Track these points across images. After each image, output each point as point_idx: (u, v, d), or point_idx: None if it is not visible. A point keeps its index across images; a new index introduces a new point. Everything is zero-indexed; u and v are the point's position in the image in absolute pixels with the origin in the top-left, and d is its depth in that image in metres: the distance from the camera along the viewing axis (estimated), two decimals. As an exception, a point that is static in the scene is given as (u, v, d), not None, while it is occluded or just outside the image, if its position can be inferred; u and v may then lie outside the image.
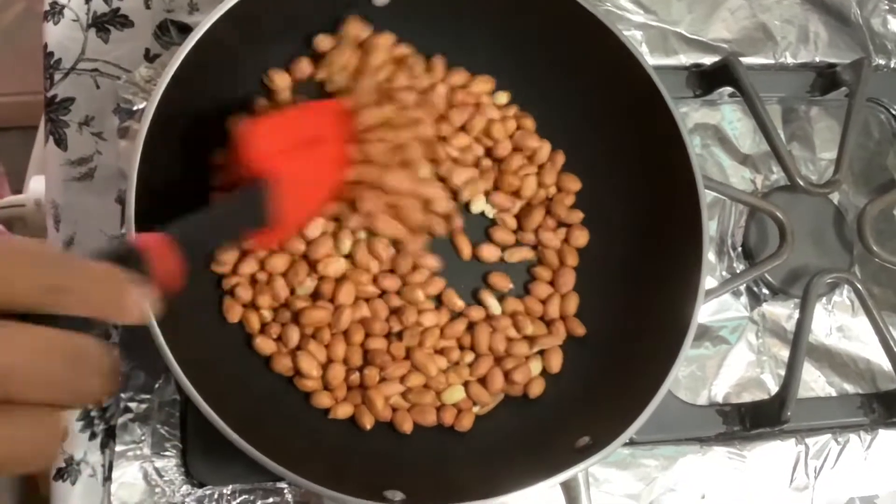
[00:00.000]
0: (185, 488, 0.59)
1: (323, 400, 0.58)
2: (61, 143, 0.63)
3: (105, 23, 0.65)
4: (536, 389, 0.61)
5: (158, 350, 0.49)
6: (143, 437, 0.59)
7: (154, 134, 0.51)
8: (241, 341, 0.58)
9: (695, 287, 0.58)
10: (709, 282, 0.69)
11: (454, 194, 0.63)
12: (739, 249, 0.72)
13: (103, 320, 0.36)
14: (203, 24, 0.53)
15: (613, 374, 0.60)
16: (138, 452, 0.59)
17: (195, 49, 0.53)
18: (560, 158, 0.65)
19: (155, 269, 0.40)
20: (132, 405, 0.59)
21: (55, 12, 0.65)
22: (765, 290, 0.71)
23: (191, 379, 0.49)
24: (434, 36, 0.62)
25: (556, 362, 0.62)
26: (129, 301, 0.37)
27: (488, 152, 0.64)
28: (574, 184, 0.64)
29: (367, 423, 0.58)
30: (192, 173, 0.57)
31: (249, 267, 0.58)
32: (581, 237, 0.64)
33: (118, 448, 0.59)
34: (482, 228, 0.64)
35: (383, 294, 0.60)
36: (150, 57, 0.65)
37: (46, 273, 0.34)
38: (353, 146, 0.57)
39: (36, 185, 0.99)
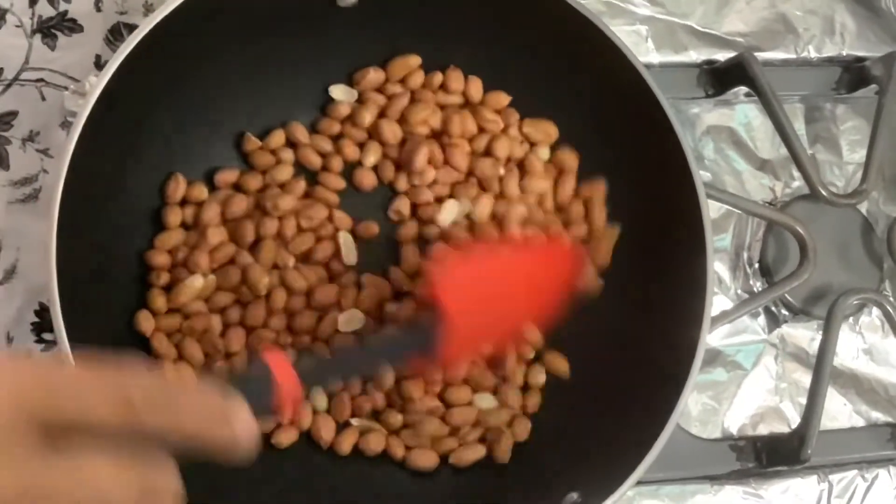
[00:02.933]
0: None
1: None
2: (2, 161, 0.59)
3: (51, 28, 0.61)
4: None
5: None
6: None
7: (87, 148, 0.48)
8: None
9: (700, 307, 0.55)
10: (723, 302, 0.66)
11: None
12: (756, 265, 0.68)
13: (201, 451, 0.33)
14: (151, 20, 0.49)
15: (607, 414, 0.56)
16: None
17: (139, 51, 0.49)
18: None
19: (278, 402, 0.39)
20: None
21: (-4, 18, 0.60)
22: (784, 311, 0.68)
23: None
24: (407, 43, 0.59)
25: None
26: (233, 436, 0.33)
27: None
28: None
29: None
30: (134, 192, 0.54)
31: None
32: None
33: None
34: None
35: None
36: (101, 64, 0.61)
37: (131, 411, 0.32)
38: (562, 294, 0.55)
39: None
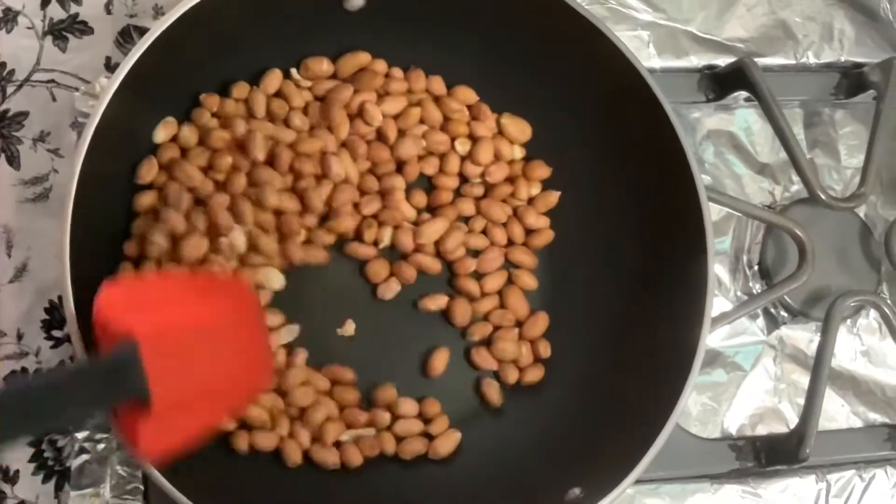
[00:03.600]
0: (148, 534, 0.55)
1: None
2: (13, 161, 0.60)
3: (62, 30, 0.62)
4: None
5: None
6: (101, 480, 0.55)
7: (100, 148, 0.48)
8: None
9: (701, 308, 0.54)
10: (722, 304, 0.66)
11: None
12: (756, 268, 0.68)
13: None
14: (161, 24, 0.49)
15: (608, 412, 0.57)
16: (97, 496, 0.55)
17: (150, 53, 0.49)
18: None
19: None
20: (88, 445, 0.56)
21: (8, 19, 0.61)
22: (783, 313, 0.67)
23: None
24: (413, 42, 0.59)
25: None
26: None
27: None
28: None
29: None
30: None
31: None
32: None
33: (74, 493, 0.55)
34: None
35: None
36: (111, 66, 0.61)
37: None
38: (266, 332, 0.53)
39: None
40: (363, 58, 0.59)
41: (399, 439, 0.57)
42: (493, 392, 0.59)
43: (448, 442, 0.57)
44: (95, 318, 0.42)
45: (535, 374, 0.59)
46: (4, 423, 0.36)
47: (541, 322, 0.60)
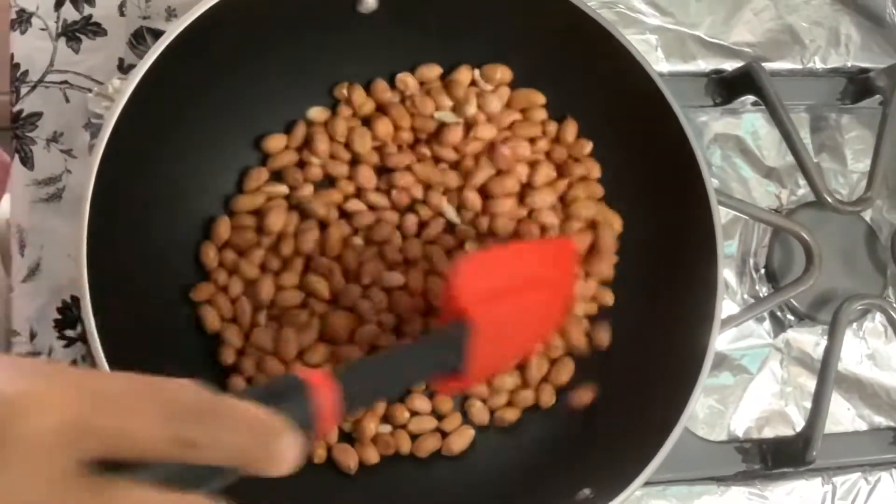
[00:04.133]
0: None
1: None
2: (27, 161, 0.60)
3: (76, 31, 0.61)
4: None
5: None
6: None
7: (116, 149, 0.48)
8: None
9: (710, 313, 0.55)
10: (729, 307, 0.66)
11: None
12: (762, 271, 0.68)
13: (245, 470, 0.33)
14: (176, 27, 0.49)
15: (618, 414, 0.57)
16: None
17: (165, 56, 0.49)
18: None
19: (319, 414, 0.37)
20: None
21: (22, 21, 0.61)
22: (790, 316, 0.68)
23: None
24: (424, 45, 0.59)
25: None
26: (280, 450, 0.33)
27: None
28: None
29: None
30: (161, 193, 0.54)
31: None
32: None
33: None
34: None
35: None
36: (124, 68, 0.61)
37: (177, 425, 0.31)
38: (572, 290, 0.56)
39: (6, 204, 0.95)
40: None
41: (413, 437, 0.57)
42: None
43: (462, 439, 0.57)
44: (447, 290, 0.49)
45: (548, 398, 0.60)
46: (360, 391, 0.40)
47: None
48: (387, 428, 0.57)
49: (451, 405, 0.58)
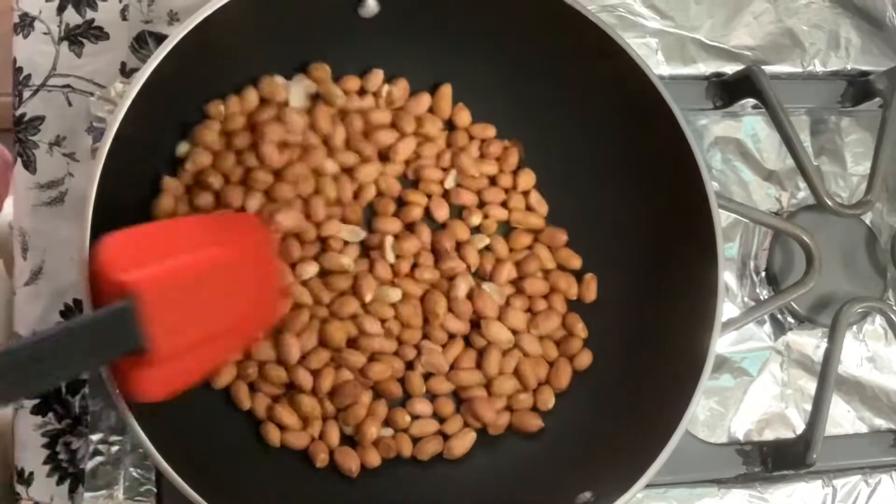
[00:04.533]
0: (161, 536, 0.55)
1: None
2: (30, 165, 0.60)
3: (78, 35, 0.62)
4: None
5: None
6: (115, 482, 0.56)
7: (118, 153, 0.48)
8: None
9: (711, 315, 0.55)
10: (730, 310, 0.66)
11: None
12: (763, 274, 0.68)
13: None
14: (179, 32, 0.50)
15: (619, 417, 0.57)
16: (111, 498, 0.55)
17: (168, 60, 0.49)
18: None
19: None
20: (102, 447, 0.56)
21: (25, 25, 0.61)
22: (790, 319, 0.68)
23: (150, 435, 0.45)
24: (426, 50, 0.59)
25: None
26: None
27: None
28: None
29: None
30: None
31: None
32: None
33: (88, 494, 0.55)
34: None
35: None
36: (126, 71, 0.61)
37: None
38: (278, 265, 0.53)
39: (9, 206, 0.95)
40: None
41: (415, 440, 0.57)
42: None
43: (463, 442, 0.57)
44: (91, 272, 0.42)
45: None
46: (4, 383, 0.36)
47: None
48: (388, 431, 0.57)
49: (452, 408, 0.58)
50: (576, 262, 0.61)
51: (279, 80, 0.58)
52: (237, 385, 0.55)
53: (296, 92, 0.58)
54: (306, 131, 0.57)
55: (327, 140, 0.58)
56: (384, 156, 0.60)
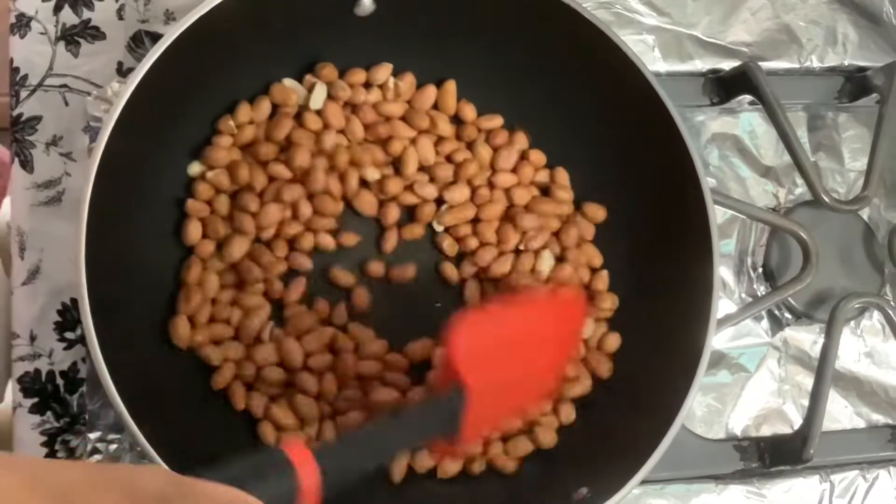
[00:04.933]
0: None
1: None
2: (27, 165, 0.60)
3: (75, 35, 0.62)
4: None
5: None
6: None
7: (114, 152, 0.48)
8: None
9: (706, 311, 0.55)
10: (727, 306, 0.66)
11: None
12: (760, 270, 0.68)
13: None
14: (174, 31, 0.50)
15: (615, 413, 0.57)
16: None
17: (164, 59, 0.50)
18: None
19: (299, 493, 0.36)
20: (101, 446, 0.56)
21: (21, 25, 0.61)
22: (787, 314, 0.67)
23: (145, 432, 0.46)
24: (421, 48, 0.59)
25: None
26: None
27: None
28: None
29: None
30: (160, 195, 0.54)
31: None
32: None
33: (86, 493, 0.55)
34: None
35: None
36: (123, 71, 0.61)
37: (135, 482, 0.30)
38: (572, 344, 0.55)
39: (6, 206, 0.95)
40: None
41: None
42: None
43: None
44: (447, 353, 0.47)
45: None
46: (344, 468, 0.41)
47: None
48: None
49: None
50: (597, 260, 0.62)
51: (289, 83, 0.58)
52: (234, 386, 0.55)
53: (318, 94, 0.58)
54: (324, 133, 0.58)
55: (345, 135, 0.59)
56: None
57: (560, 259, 0.61)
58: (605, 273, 0.61)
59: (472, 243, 0.60)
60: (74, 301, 0.58)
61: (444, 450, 0.50)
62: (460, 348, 0.47)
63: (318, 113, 0.58)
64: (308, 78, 0.59)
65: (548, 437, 0.57)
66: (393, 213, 0.59)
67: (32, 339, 0.58)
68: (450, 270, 0.60)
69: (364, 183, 0.59)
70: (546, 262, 0.60)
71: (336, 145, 0.58)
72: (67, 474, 0.31)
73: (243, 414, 0.55)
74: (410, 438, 0.48)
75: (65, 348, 0.58)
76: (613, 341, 0.59)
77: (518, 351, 0.50)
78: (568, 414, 0.58)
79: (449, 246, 0.60)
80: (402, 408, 0.53)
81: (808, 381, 0.65)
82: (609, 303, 0.60)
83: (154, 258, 0.55)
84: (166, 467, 0.46)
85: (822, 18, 0.72)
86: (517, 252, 0.60)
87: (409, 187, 0.59)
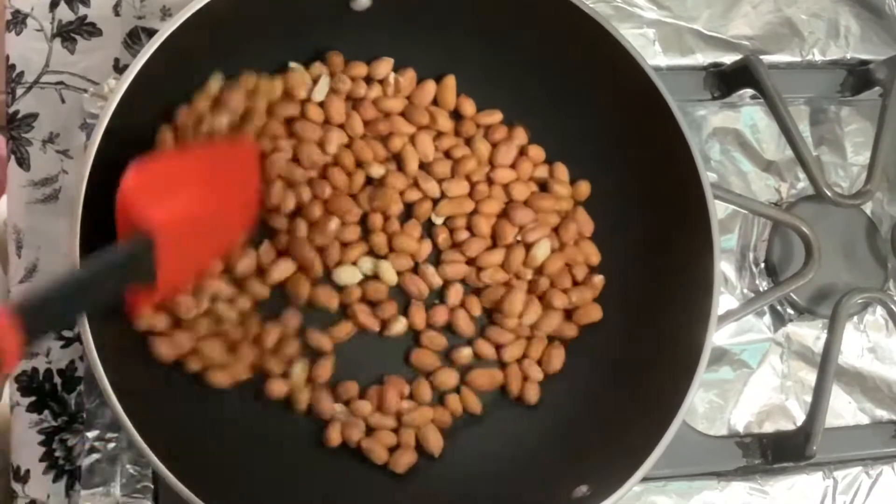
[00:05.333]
0: (159, 533, 0.55)
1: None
2: (23, 162, 0.60)
3: (71, 32, 0.61)
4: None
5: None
6: (111, 479, 0.56)
7: (109, 149, 0.48)
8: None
9: (707, 307, 0.54)
10: (729, 302, 0.66)
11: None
12: (762, 265, 0.67)
13: None
14: (170, 26, 0.49)
15: (616, 409, 0.57)
16: (107, 495, 0.55)
17: (159, 54, 0.49)
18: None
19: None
20: (99, 444, 0.56)
21: (17, 22, 0.61)
22: (790, 310, 0.67)
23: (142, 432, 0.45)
24: (419, 43, 0.59)
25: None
26: None
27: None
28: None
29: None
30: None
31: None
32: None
33: (84, 492, 0.55)
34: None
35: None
36: (119, 68, 0.61)
37: None
38: (258, 187, 0.54)
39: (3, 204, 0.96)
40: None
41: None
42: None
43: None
44: (120, 201, 0.45)
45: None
46: (45, 317, 0.40)
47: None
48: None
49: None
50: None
51: (297, 67, 0.58)
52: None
53: (322, 85, 0.58)
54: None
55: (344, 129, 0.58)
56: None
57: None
58: (600, 277, 0.61)
59: (463, 235, 0.59)
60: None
61: (143, 299, 0.48)
62: (139, 189, 0.45)
63: (321, 105, 0.58)
64: (316, 65, 0.58)
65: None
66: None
67: (30, 337, 0.58)
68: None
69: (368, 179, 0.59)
70: (542, 250, 0.59)
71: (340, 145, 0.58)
72: None
73: (240, 412, 0.55)
74: (109, 286, 0.45)
75: (62, 346, 0.58)
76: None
77: (204, 192, 0.49)
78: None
79: (444, 240, 0.59)
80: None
81: (810, 377, 0.64)
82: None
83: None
84: (163, 466, 0.46)
85: (823, 11, 0.72)
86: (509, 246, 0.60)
87: (413, 184, 0.59)
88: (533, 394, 0.58)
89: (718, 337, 0.63)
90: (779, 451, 0.63)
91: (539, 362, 0.59)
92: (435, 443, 0.56)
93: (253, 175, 0.54)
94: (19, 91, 0.60)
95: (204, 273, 0.53)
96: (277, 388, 0.55)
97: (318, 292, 0.56)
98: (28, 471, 0.57)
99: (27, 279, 0.58)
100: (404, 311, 0.58)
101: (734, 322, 0.64)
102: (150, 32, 0.61)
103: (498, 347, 0.59)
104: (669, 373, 0.54)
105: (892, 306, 0.65)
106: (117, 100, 0.48)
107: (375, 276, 0.58)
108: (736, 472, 0.63)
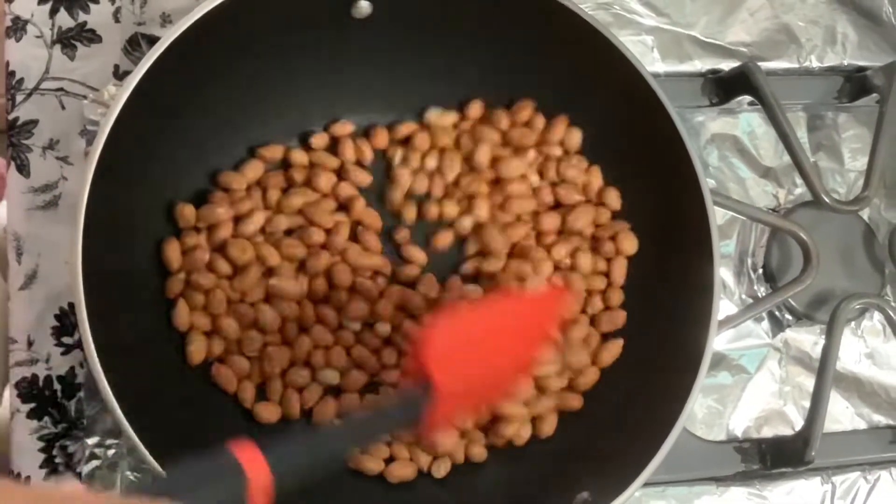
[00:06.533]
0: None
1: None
2: (23, 169, 0.59)
3: (71, 38, 0.61)
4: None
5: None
6: (112, 485, 0.56)
7: (111, 156, 0.48)
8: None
9: (707, 313, 0.55)
10: (727, 307, 0.66)
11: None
12: (760, 271, 0.67)
13: None
14: (171, 34, 0.49)
15: (616, 416, 0.57)
16: (107, 502, 0.55)
17: (161, 62, 0.49)
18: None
19: (248, 495, 0.36)
20: (99, 451, 0.56)
21: (17, 28, 0.61)
22: (788, 316, 0.67)
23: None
24: (419, 50, 0.59)
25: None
26: None
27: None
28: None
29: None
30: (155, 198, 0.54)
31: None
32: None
33: (85, 498, 0.55)
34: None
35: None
36: (119, 74, 0.61)
37: None
38: (544, 340, 0.54)
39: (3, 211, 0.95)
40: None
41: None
42: None
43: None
44: (417, 352, 0.47)
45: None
46: (295, 469, 0.40)
47: None
48: None
49: None
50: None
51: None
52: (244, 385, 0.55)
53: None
54: None
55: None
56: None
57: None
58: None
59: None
60: (72, 306, 0.58)
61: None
62: (433, 349, 0.47)
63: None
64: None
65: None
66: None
67: (30, 343, 0.58)
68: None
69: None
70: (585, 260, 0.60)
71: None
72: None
73: (243, 420, 0.55)
74: (364, 438, 0.47)
75: (62, 353, 0.58)
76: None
77: (488, 348, 0.50)
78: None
79: None
80: (357, 410, 0.53)
81: (809, 383, 0.65)
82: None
83: (151, 261, 0.55)
84: (162, 472, 0.46)
85: (821, 18, 0.72)
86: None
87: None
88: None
89: (717, 342, 0.62)
90: (777, 456, 0.63)
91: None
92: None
93: (542, 327, 0.54)
94: (19, 97, 0.60)
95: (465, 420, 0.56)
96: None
97: None
98: (28, 477, 0.56)
99: (27, 286, 0.58)
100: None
101: (733, 328, 0.64)
102: (150, 39, 0.61)
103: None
104: (670, 378, 0.54)
105: (890, 312, 0.65)
106: (119, 107, 0.48)
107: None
108: (735, 478, 0.63)
